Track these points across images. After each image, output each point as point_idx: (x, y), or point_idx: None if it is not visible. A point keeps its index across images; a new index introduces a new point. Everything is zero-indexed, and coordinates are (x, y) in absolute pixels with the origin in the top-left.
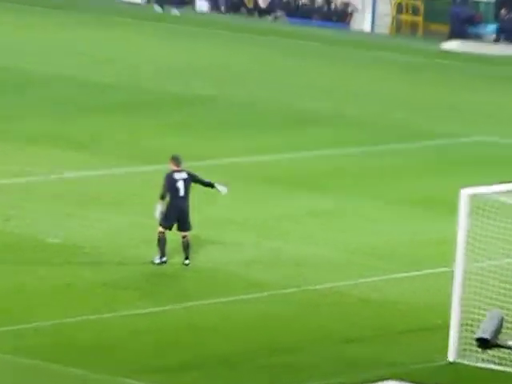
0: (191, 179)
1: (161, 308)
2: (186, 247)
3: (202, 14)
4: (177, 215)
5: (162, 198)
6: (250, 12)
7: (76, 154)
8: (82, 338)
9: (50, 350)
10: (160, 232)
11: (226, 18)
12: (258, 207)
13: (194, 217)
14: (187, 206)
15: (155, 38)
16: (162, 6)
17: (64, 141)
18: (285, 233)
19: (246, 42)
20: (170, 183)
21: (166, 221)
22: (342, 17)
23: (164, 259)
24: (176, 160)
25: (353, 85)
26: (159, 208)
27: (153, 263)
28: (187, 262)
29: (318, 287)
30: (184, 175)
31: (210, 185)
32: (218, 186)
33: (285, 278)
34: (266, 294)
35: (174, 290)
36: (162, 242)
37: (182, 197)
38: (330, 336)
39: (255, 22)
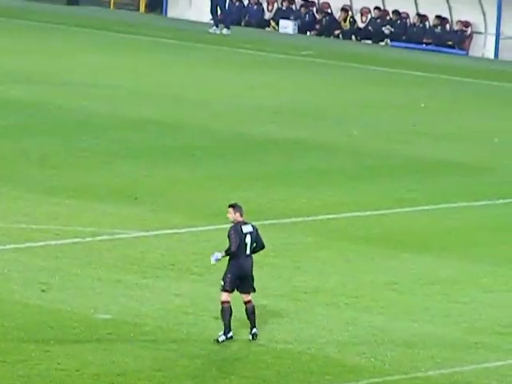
0: (256, 234)
1: None
2: (252, 313)
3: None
4: (240, 276)
5: (233, 255)
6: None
7: (130, 209)
8: None
9: None
10: (224, 301)
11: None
12: (356, 273)
13: (273, 285)
14: (252, 266)
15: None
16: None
17: (117, 193)
18: (388, 305)
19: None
20: (239, 237)
21: (230, 284)
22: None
23: (230, 334)
24: (240, 209)
25: (483, 127)
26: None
27: (217, 341)
28: (255, 330)
29: (431, 374)
30: (250, 228)
31: (262, 248)
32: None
33: (389, 363)
34: (365, 382)
35: (251, 380)
36: (226, 312)
37: (248, 255)
38: None
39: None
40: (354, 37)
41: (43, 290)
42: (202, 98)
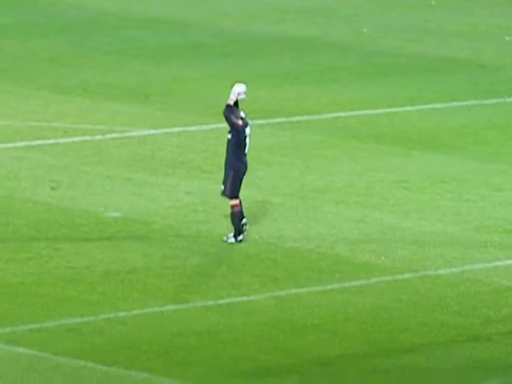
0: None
1: (244, 298)
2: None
3: None
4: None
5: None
6: None
7: (141, 108)
8: (147, 336)
9: (111, 349)
10: (235, 205)
11: None
12: (365, 171)
13: (282, 183)
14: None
15: None
16: None
17: (128, 93)
18: (398, 203)
19: None
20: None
21: (239, 190)
22: None
23: (240, 237)
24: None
25: (495, 25)
26: None
27: (225, 242)
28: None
29: (441, 272)
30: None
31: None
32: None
33: (399, 261)
34: (375, 280)
35: (261, 278)
36: (237, 217)
37: (245, 154)
38: (456, 334)
39: None
40: None
41: (53, 188)
42: None
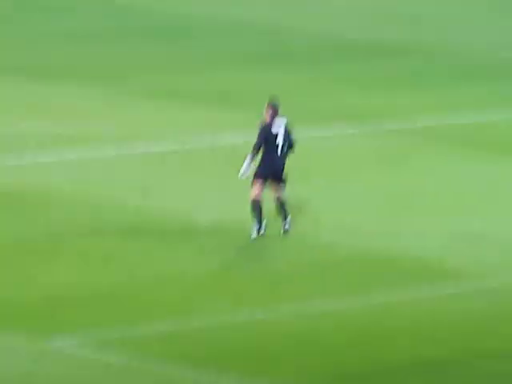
0: (287, 133)
1: (334, 302)
2: (283, 205)
3: None
4: (270, 173)
5: (259, 152)
6: None
7: (231, 113)
8: (237, 341)
9: (202, 354)
10: (254, 197)
11: None
12: (457, 177)
13: (372, 189)
14: (283, 165)
15: None
16: None
17: (215, 99)
18: (490, 210)
19: None
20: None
21: (260, 174)
22: None
23: (262, 231)
24: (273, 107)
25: None
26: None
27: (252, 237)
28: (287, 225)
29: None
30: (282, 129)
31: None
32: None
33: (489, 267)
34: (464, 286)
35: (349, 283)
36: (257, 208)
37: (279, 155)
38: None
39: None
40: None
41: (144, 195)
42: None
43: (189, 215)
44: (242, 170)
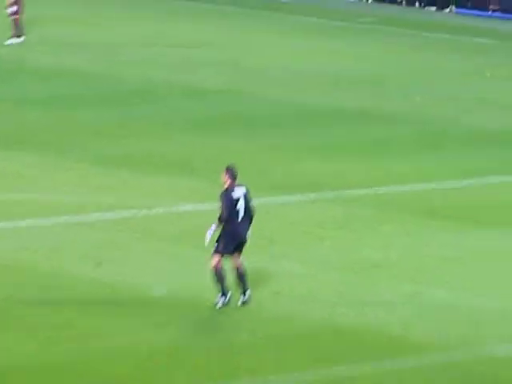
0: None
1: (295, 376)
2: (243, 276)
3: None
4: (235, 242)
5: (226, 221)
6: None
7: (188, 181)
8: None
9: None
10: (216, 265)
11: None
12: (419, 246)
13: (334, 258)
14: (247, 231)
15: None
16: None
17: (173, 166)
18: (453, 280)
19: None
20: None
21: (224, 247)
22: None
23: (228, 297)
24: (231, 172)
25: None
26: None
27: (217, 307)
28: (247, 295)
29: (497, 352)
30: (242, 193)
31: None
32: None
33: (453, 340)
34: (427, 360)
35: (305, 353)
36: (221, 275)
37: (241, 221)
38: None
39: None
40: (417, 3)
41: (97, 264)
42: (259, 64)
43: (143, 285)
44: (207, 239)
